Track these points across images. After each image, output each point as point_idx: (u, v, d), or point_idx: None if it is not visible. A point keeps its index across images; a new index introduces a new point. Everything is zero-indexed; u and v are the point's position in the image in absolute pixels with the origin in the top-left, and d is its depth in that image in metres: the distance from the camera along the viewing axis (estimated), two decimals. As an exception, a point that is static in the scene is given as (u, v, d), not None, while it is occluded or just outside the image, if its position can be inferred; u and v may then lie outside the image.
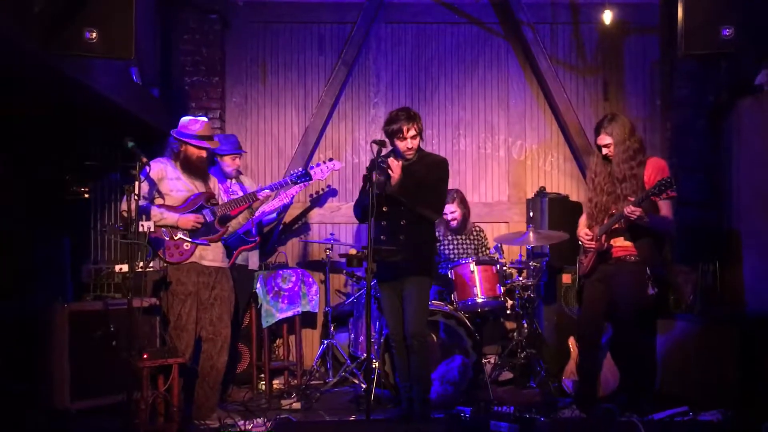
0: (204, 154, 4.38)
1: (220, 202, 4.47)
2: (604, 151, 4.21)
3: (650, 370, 4.44)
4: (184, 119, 4.39)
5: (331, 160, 5.39)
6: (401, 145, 4.13)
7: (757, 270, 5.19)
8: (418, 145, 4.20)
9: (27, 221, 5.13)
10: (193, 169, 4.34)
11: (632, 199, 3.99)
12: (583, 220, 4.45)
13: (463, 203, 5.62)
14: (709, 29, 4.01)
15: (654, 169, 4.13)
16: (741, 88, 5.54)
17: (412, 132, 4.11)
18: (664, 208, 4.13)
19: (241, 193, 4.88)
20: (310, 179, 5.05)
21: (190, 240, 4.24)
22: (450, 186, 4.56)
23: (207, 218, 4.31)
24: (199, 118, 4.41)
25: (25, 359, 4.17)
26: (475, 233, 5.71)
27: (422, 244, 4.18)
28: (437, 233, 5.08)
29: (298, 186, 5.18)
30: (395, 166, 4.05)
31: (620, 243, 4.17)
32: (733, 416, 4.04)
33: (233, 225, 4.52)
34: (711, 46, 4.01)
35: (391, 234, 4.12)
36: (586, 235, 4.26)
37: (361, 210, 4.23)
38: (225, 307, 4.37)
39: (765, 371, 4.23)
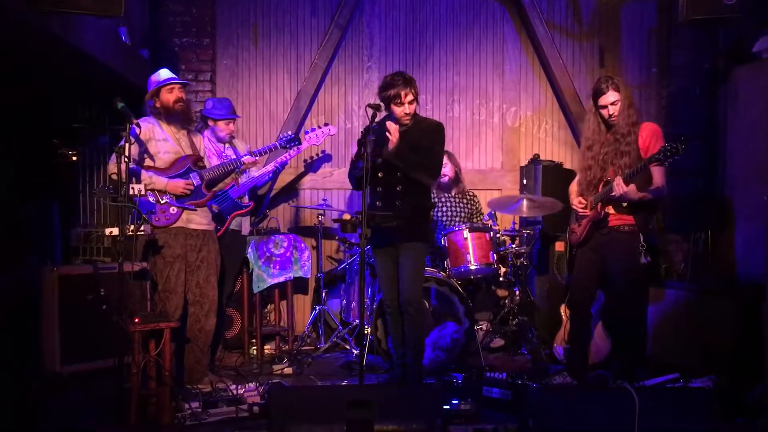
0: (178, 93, 4.27)
1: (208, 165, 4.41)
2: (611, 110, 4.08)
3: (642, 337, 4.45)
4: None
5: (326, 125, 5.32)
6: (399, 110, 4.07)
7: (749, 238, 5.20)
8: (414, 110, 4.14)
9: (15, 185, 5.05)
10: (176, 115, 4.25)
11: (627, 171, 3.92)
12: (573, 188, 4.40)
13: (453, 160, 5.59)
14: (713, -7, 3.95)
15: (650, 135, 4.06)
16: (738, 55, 5.49)
17: (410, 97, 4.05)
18: (658, 177, 4.06)
19: (234, 158, 4.82)
20: (300, 143, 4.99)
21: (176, 204, 4.19)
22: (443, 151, 4.49)
23: (194, 182, 4.25)
24: (162, 69, 4.36)
25: (15, 324, 4.13)
26: (468, 197, 5.69)
27: (418, 210, 4.14)
28: (432, 195, 5.04)
29: (290, 151, 5.13)
30: (393, 130, 3.99)
31: (616, 210, 4.13)
32: (724, 383, 4.07)
33: (219, 186, 4.48)
34: (714, 11, 3.94)
35: (387, 200, 4.08)
36: (580, 203, 4.22)
37: (355, 177, 4.18)
38: (212, 270, 4.34)
39: (755, 337, 4.25)
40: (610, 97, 4.08)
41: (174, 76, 4.33)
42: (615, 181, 3.90)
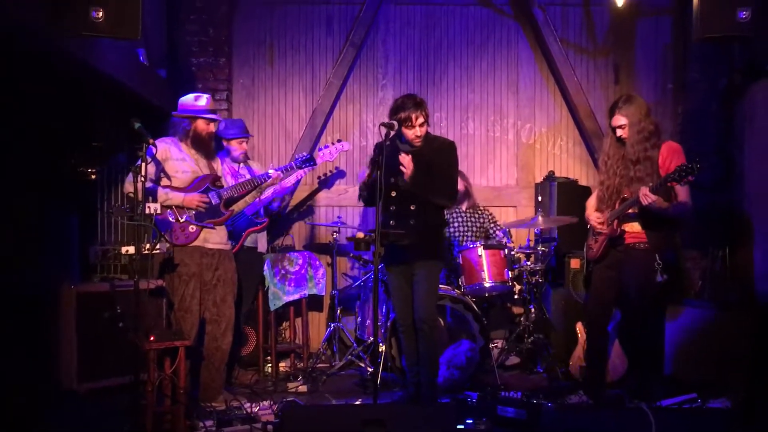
0: (213, 129, 4.38)
1: (226, 185, 4.45)
2: (619, 132, 4.12)
3: (658, 356, 4.41)
4: (186, 97, 4.39)
5: (339, 141, 5.33)
6: (410, 133, 4.08)
7: (767, 254, 5.14)
8: (425, 132, 4.15)
9: (35, 202, 5.12)
10: (203, 145, 4.34)
11: (651, 184, 3.91)
12: (590, 203, 4.39)
13: (462, 176, 5.61)
14: (725, 11, 3.94)
15: (669, 153, 4.05)
16: (754, 71, 5.46)
17: (421, 119, 4.05)
18: (682, 193, 4.04)
19: (249, 177, 4.86)
20: (315, 164, 5.01)
21: (195, 223, 4.23)
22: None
23: (213, 201, 4.29)
24: (201, 94, 4.41)
25: (32, 340, 4.17)
26: (480, 212, 5.69)
27: (432, 228, 4.15)
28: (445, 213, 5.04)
29: (303, 170, 5.14)
30: (407, 162, 3.99)
31: (633, 229, 4.11)
32: (742, 403, 4.01)
33: (239, 205, 4.52)
34: (727, 29, 3.94)
35: (400, 218, 4.09)
36: (597, 218, 4.20)
37: (367, 194, 4.20)
38: (228, 289, 4.37)
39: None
40: (619, 120, 4.11)
41: (216, 112, 4.43)
42: (641, 191, 3.88)
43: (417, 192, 4.03)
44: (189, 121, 4.31)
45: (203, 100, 4.36)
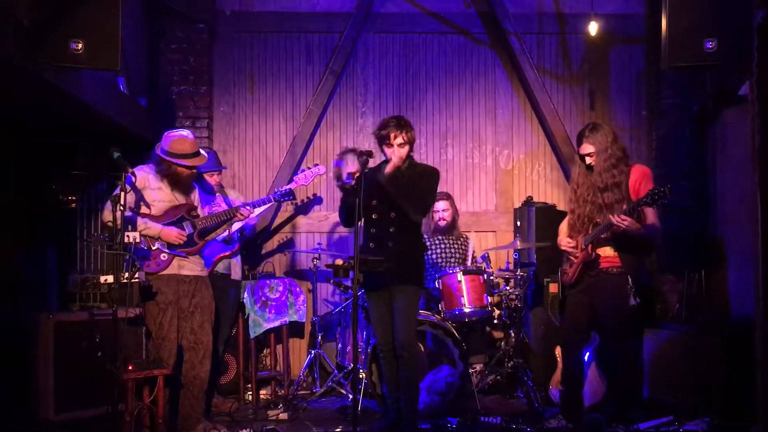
0: (195, 171, 4.37)
1: (201, 215, 4.45)
2: (587, 160, 4.20)
3: (635, 379, 4.46)
4: (170, 135, 4.25)
5: (316, 165, 5.37)
6: (388, 151, 4.17)
7: (742, 278, 5.22)
8: (408, 154, 4.21)
9: (14, 230, 5.10)
10: (182, 185, 4.33)
11: (624, 207, 3.98)
12: (563, 229, 4.45)
13: (453, 205, 5.69)
14: (693, 42, 4.05)
15: (640, 177, 4.13)
16: (725, 97, 5.58)
17: (399, 140, 4.13)
18: (651, 215, 4.13)
19: (224, 206, 4.87)
20: (294, 198, 5.05)
21: (167, 251, 4.23)
22: (438, 194, 4.57)
23: (186, 230, 4.29)
24: (185, 136, 4.27)
25: (9, 369, 4.14)
26: (462, 240, 5.74)
27: (411, 252, 4.19)
28: (425, 239, 5.10)
29: (273, 204, 5.15)
30: (396, 157, 4.14)
31: (606, 253, 4.17)
32: (719, 425, 4.05)
33: (212, 235, 4.52)
34: (694, 59, 4.05)
35: (380, 241, 4.14)
36: (569, 243, 4.27)
37: (345, 215, 4.25)
38: (206, 316, 4.35)
39: (751, 378, 4.25)
40: (586, 148, 4.19)
41: (198, 153, 4.30)
42: (615, 219, 3.94)
43: (392, 191, 4.08)
44: (168, 165, 4.21)
45: (185, 144, 4.21)
